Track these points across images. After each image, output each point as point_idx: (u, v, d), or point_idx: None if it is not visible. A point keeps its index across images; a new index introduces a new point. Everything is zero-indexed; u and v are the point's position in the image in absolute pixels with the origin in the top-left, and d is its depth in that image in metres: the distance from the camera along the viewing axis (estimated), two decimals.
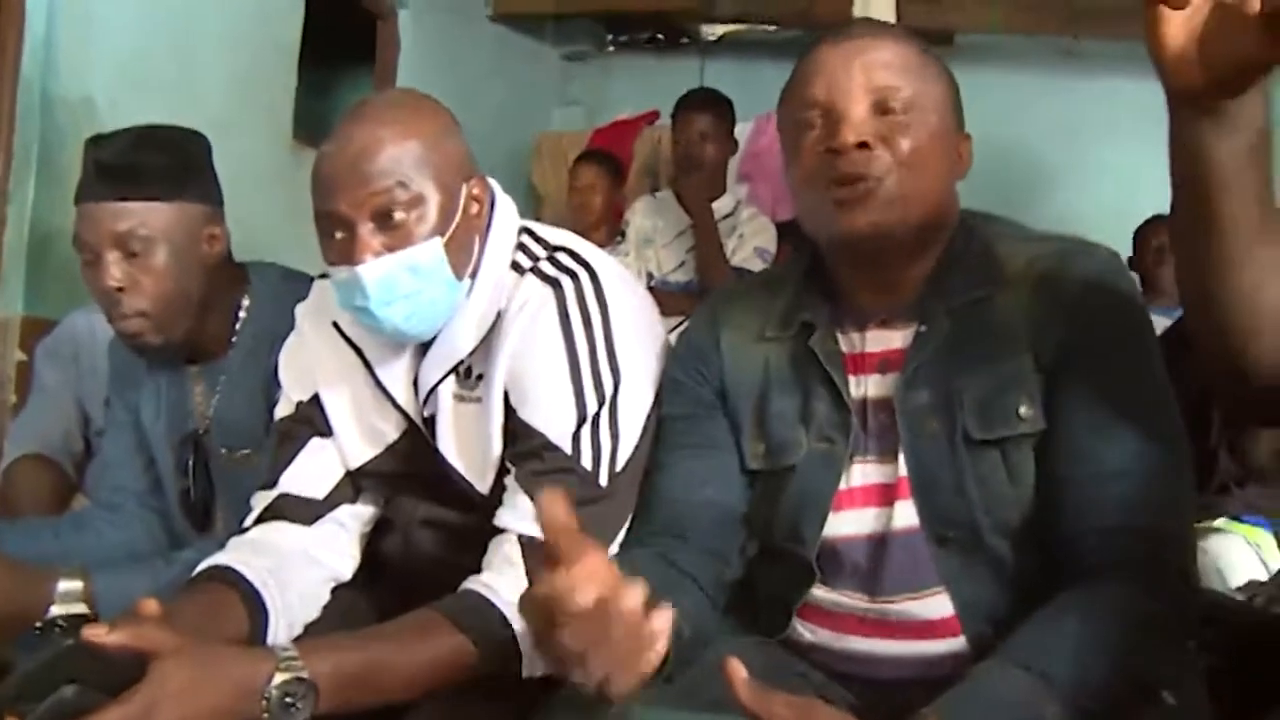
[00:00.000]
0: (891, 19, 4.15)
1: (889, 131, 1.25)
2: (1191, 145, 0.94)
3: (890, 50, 1.28)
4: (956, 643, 1.24)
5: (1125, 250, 3.51)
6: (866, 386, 1.31)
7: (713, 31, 4.92)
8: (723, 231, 3.43)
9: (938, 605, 1.24)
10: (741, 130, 3.76)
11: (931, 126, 1.27)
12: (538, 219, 4.57)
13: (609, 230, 3.76)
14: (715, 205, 3.49)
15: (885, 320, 1.32)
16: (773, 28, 4.72)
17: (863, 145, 1.23)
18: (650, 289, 1.55)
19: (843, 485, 1.29)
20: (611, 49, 5.29)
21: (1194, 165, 0.95)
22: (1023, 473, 1.22)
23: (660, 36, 5.12)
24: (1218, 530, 2.24)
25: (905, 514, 1.26)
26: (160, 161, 1.67)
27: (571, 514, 0.92)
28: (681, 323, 2.95)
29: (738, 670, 0.98)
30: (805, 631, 1.32)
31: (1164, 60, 0.91)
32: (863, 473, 1.30)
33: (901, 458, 1.27)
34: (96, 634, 1.09)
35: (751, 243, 3.42)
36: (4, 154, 2.73)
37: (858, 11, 4.19)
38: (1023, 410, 1.22)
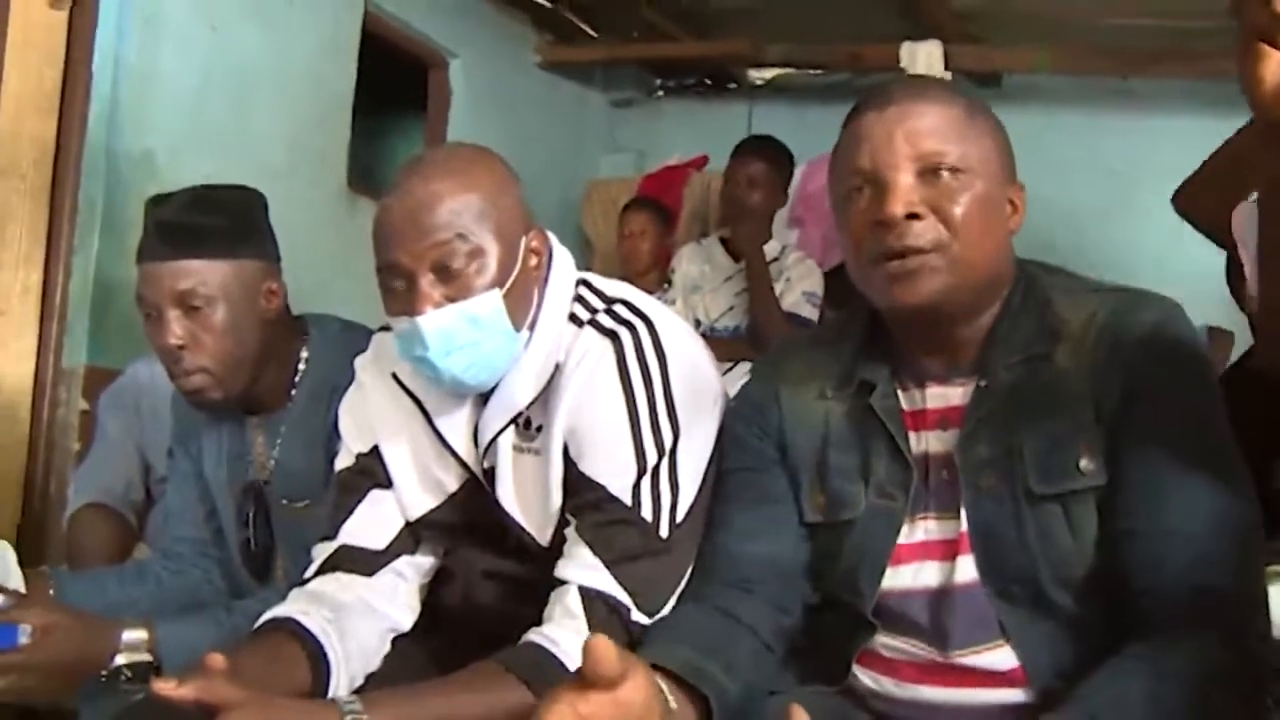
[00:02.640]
0: (939, 62, 4.16)
1: (937, 198, 1.23)
2: None
3: (934, 113, 1.26)
4: (1023, 693, 1.22)
5: (1178, 288, 3.46)
6: (927, 443, 1.31)
7: (761, 76, 4.94)
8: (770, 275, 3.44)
9: (1003, 657, 1.23)
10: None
11: (980, 188, 1.25)
12: (589, 266, 4.62)
13: (658, 277, 3.77)
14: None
15: (945, 377, 1.32)
16: (820, 72, 4.73)
17: (911, 216, 1.22)
18: (699, 335, 1.58)
19: (902, 540, 1.29)
20: (660, 95, 5.33)
21: None
22: (1085, 527, 1.21)
23: (708, 81, 5.15)
24: None
25: (966, 569, 1.25)
26: (219, 221, 1.71)
27: (619, 654, 0.93)
28: (731, 368, 2.97)
29: (799, 716, 0.98)
30: (868, 680, 1.31)
31: (1261, 96, 0.92)
32: (924, 528, 1.29)
33: (963, 513, 1.26)
34: (165, 688, 1.11)
35: (799, 287, 3.41)
36: (70, 208, 2.80)
37: (905, 56, 4.19)
38: (1083, 464, 1.21)
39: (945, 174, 1.24)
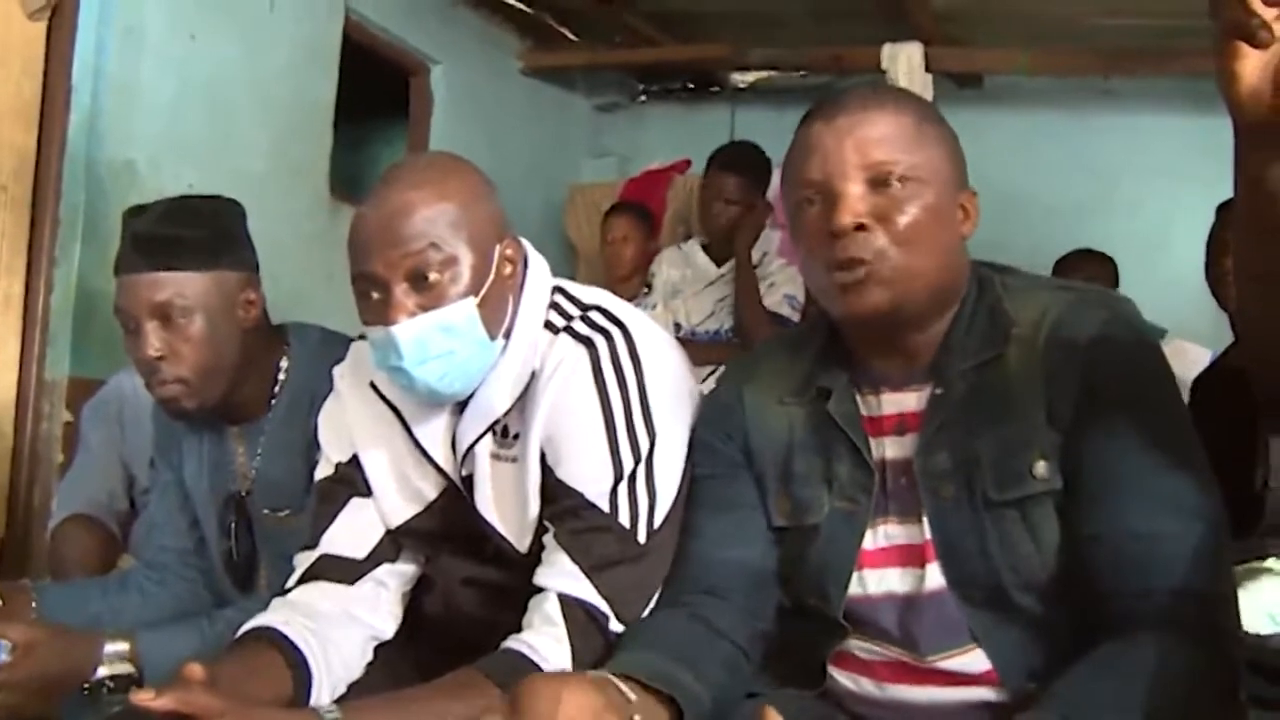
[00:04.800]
0: (920, 64, 4.18)
1: (886, 208, 1.24)
2: (1262, 178, 0.96)
3: (884, 123, 1.26)
4: (997, 692, 1.23)
5: (1161, 286, 3.47)
6: (885, 448, 1.32)
7: (743, 79, 4.95)
8: None
9: (975, 660, 1.24)
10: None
11: (929, 197, 1.25)
12: (573, 271, 4.59)
13: (642, 281, 3.77)
14: None
15: (900, 382, 1.32)
16: (802, 75, 4.74)
17: (860, 227, 1.23)
18: (679, 339, 1.59)
19: (867, 545, 1.30)
20: (643, 99, 5.33)
21: (1263, 198, 0.97)
22: (1044, 531, 1.21)
23: (690, 85, 5.16)
24: (1268, 571, 2.20)
25: (935, 576, 1.26)
26: (196, 232, 1.71)
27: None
28: (712, 373, 2.98)
29: (771, 717, 0.98)
30: (846, 681, 1.32)
31: (1236, 95, 0.92)
32: (886, 533, 1.30)
33: (925, 521, 1.27)
34: (144, 698, 1.11)
35: (781, 290, 3.42)
36: (51, 219, 2.80)
37: (886, 58, 4.21)
38: (1038, 469, 1.21)
39: (895, 183, 1.24)
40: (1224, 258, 2.83)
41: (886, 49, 4.23)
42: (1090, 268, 3.52)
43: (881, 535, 1.30)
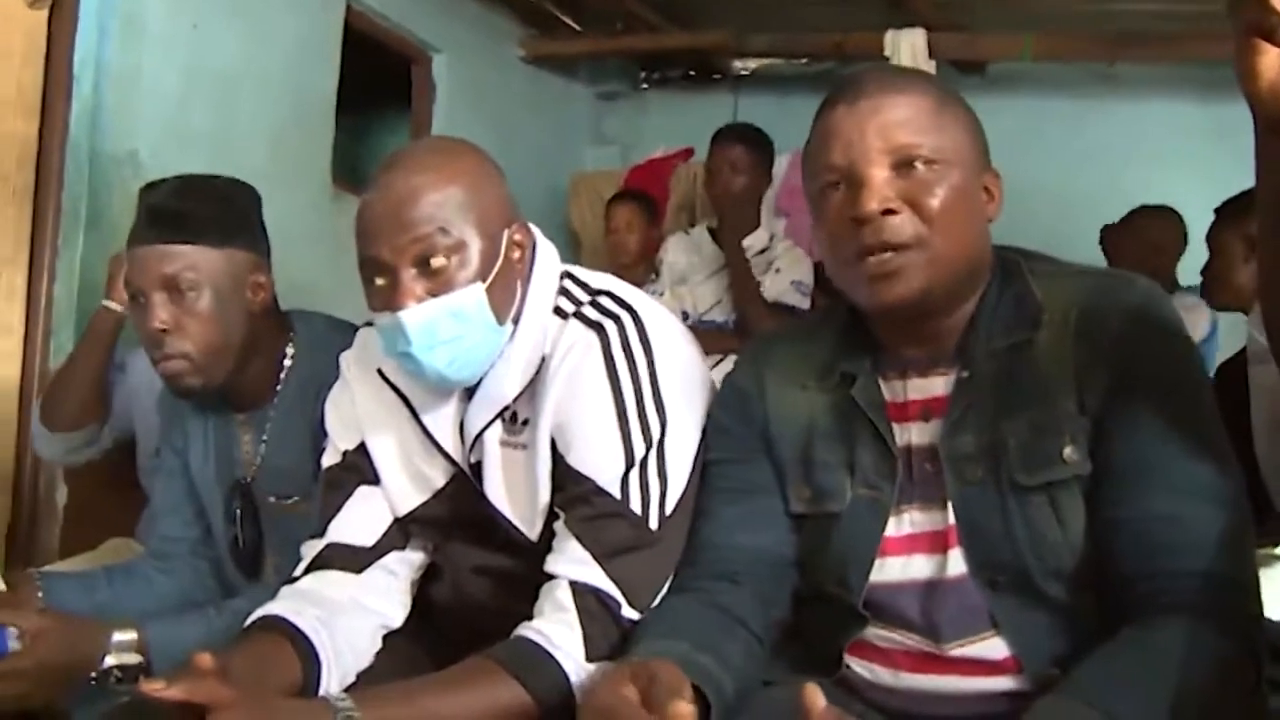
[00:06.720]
0: (923, 50, 4.16)
1: (912, 192, 1.22)
2: None
3: (906, 105, 1.24)
4: (1017, 680, 1.22)
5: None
6: (910, 434, 1.30)
7: (745, 66, 4.94)
8: (758, 266, 3.43)
9: (995, 648, 1.23)
10: (777, 164, 3.76)
11: (956, 178, 1.24)
12: (576, 260, 4.59)
13: (646, 269, 3.76)
14: (750, 240, 3.49)
15: (926, 367, 1.31)
16: (804, 61, 4.73)
17: (887, 211, 1.21)
18: (687, 327, 1.57)
19: (890, 532, 1.29)
20: (645, 87, 5.32)
21: None
22: (1071, 516, 1.20)
23: (693, 73, 5.15)
24: (1278, 558, 2.20)
25: (957, 562, 1.25)
26: (209, 208, 1.71)
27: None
28: (720, 360, 2.97)
29: (815, 698, 0.97)
30: (863, 671, 1.31)
31: (1256, 90, 0.93)
32: (910, 520, 1.29)
33: (950, 506, 1.26)
34: (153, 688, 1.10)
35: (788, 276, 3.41)
36: (54, 210, 2.79)
37: (888, 44, 4.19)
38: (1067, 453, 1.20)
39: (920, 166, 1.23)
40: (1217, 258, 2.86)
41: (889, 35, 4.21)
42: (1158, 224, 3.49)
43: (906, 522, 1.29)
